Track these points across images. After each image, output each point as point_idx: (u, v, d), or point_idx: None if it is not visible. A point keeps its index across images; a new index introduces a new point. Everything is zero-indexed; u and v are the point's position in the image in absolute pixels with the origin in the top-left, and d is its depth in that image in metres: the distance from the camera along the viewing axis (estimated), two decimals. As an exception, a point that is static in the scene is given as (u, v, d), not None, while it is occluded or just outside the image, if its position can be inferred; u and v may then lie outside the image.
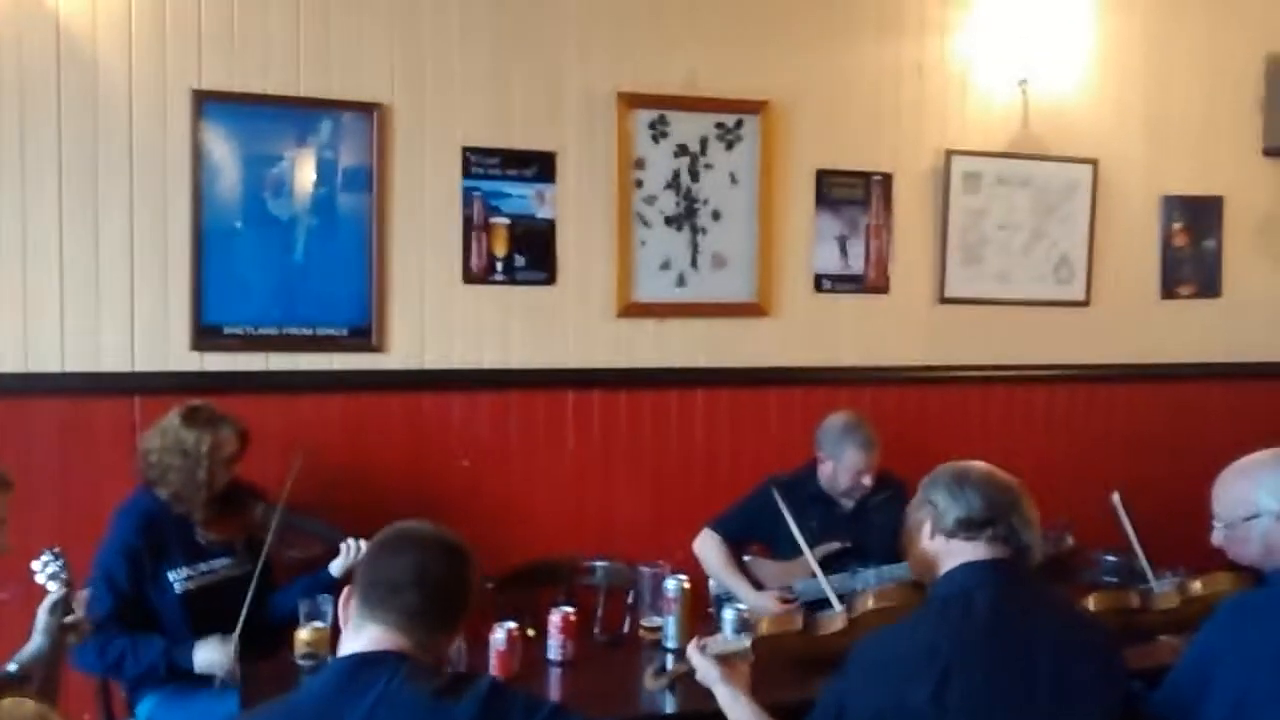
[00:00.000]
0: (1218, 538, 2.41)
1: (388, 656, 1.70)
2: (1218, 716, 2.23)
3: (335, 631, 2.67)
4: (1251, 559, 2.38)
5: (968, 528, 2.09)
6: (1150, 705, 2.27)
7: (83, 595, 2.54)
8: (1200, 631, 2.32)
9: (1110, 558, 3.65)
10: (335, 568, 3.18)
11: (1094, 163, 4.53)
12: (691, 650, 2.27)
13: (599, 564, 3.72)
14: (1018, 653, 1.99)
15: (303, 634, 2.68)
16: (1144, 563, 2.95)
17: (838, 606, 2.36)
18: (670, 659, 2.84)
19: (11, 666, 2.39)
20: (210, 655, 2.93)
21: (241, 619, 2.92)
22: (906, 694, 1.92)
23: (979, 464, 2.21)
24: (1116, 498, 3.10)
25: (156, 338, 3.54)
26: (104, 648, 2.88)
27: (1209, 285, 4.79)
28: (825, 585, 2.77)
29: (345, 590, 1.81)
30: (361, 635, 1.74)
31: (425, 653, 1.75)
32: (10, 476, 2.39)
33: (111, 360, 3.50)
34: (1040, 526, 2.14)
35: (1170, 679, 2.30)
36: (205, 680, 2.95)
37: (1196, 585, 2.65)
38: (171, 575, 3.08)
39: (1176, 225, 4.72)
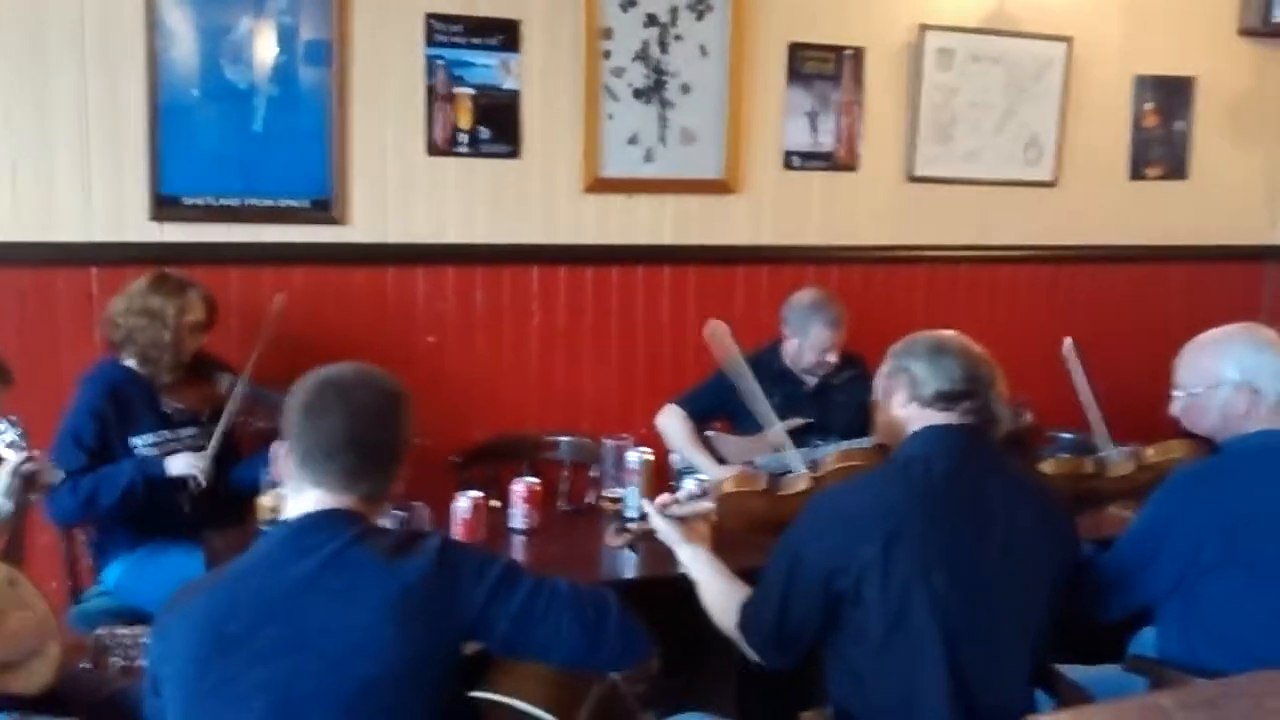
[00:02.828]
0: (1177, 406, 2.45)
1: (339, 517, 1.71)
2: (1164, 583, 2.29)
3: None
4: (1208, 429, 2.42)
5: (946, 399, 2.07)
6: (1097, 568, 2.32)
7: (42, 455, 2.53)
8: (1152, 498, 2.36)
9: (1067, 435, 3.70)
10: None
11: (1068, 40, 4.47)
12: (652, 510, 2.27)
13: (563, 439, 3.75)
14: (971, 513, 2.00)
15: (266, 500, 2.70)
16: (1098, 415, 2.90)
17: (802, 472, 2.37)
18: (633, 520, 2.87)
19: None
20: (183, 462, 2.98)
21: (214, 441, 3.00)
22: (857, 547, 1.94)
23: (953, 334, 2.17)
24: (1069, 343, 3.02)
25: (114, 207, 3.47)
26: (74, 488, 2.88)
27: (1177, 167, 4.79)
28: (793, 452, 2.75)
29: (282, 447, 1.79)
30: (305, 497, 1.74)
31: (373, 503, 1.77)
32: (11, 370, 2.31)
33: (67, 230, 3.43)
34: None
35: (1120, 543, 2.35)
36: (172, 543, 3.01)
37: (1150, 452, 2.68)
38: (138, 442, 3.08)
39: (1148, 106, 4.70)
